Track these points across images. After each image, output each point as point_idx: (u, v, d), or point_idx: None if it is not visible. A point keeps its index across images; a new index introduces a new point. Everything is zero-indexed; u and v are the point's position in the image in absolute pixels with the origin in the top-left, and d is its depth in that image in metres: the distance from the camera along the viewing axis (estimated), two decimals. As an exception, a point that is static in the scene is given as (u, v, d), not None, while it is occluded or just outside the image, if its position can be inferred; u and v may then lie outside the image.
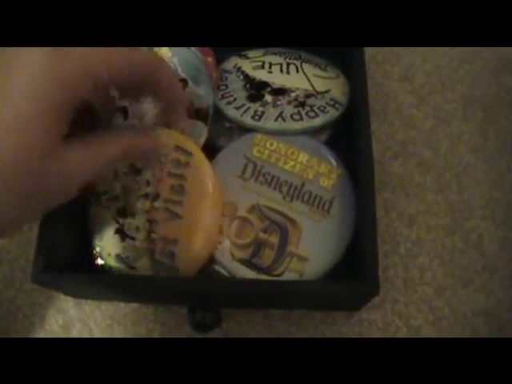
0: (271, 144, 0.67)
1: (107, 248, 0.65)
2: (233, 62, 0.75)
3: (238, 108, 0.68)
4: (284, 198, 0.65)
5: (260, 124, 0.67)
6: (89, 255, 0.67)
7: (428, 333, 0.68)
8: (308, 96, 0.70)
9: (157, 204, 0.64)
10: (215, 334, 0.64)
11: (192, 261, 0.63)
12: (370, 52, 0.81)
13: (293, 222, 0.65)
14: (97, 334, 0.69)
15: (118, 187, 0.66)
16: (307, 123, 0.67)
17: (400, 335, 0.68)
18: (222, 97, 0.70)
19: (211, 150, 0.69)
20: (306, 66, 0.74)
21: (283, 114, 0.67)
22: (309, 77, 0.72)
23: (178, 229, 0.63)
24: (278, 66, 0.73)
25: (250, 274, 0.63)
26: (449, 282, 0.71)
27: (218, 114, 0.70)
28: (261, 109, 0.68)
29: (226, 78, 0.73)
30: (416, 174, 0.75)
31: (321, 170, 0.67)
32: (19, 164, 0.39)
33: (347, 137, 0.70)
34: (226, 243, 0.64)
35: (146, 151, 0.51)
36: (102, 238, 0.66)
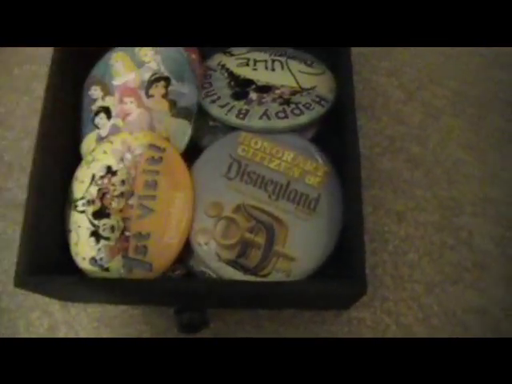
0: (256, 143, 0.66)
1: (82, 252, 0.65)
2: (217, 59, 0.74)
3: (222, 106, 0.67)
4: (270, 197, 0.65)
5: (245, 122, 0.66)
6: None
7: (418, 330, 0.68)
8: (293, 93, 0.69)
9: (131, 201, 0.64)
10: (204, 334, 0.63)
11: (165, 253, 0.63)
12: (358, 48, 0.80)
13: (279, 221, 0.64)
14: (83, 337, 0.68)
15: (94, 191, 0.66)
16: (292, 121, 0.66)
17: (389, 333, 0.68)
18: (206, 95, 0.69)
19: (196, 149, 0.68)
20: (291, 63, 0.73)
21: (268, 112, 0.66)
22: (294, 73, 0.71)
23: (150, 223, 0.63)
24: (263, 63, 0.72)
25: (236, 274, 0.63)
26: (438, 279, 0.70)
27: (203, 112, 0.68)
28: (245, 107, 0.67)
29: (211, 76, 0.72)
30: (404, 170, 0.75)
31: (307, 168, 0.66)
32: None
33: (334, 133, 0.69)
34: (212, 244, 0.63)
35: None
36: (77, 243, 0.66)
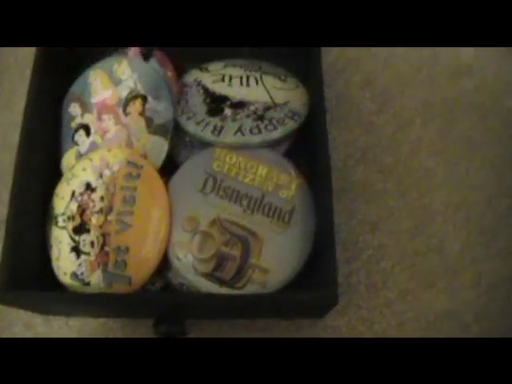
0: (231, 158, 0.68)
1: (63, 267, 0.67)
2: (193, 75, 0.76)
3: (198, 123, 0.69)
4: (245, 211, 0.66)
5: (219, 139, 0.68)
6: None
7: (392, 336, 0.70)
8: (267, 109, 0.71)
9: (110, 217, 0.66)
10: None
11: (143, 267, 0.65)
12: (329, 60, 0.82)
13: (254, 234, 0.66)
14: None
15: (74, 207, 0.67)
16: (266, 136, 0.68)
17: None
18: (183, 112, 0.71)
19: (172, 164, 0.70)
20: (265, 78, 0.74)
21: (242, 128, 0.68)
22: (268, 89, 0.73)
23: (129, 237, 0.65)
24: (238, 79, 0.74)
25: (213, 287, 0.64)
26: (411, 286, 0.72)
27: (179, 128, 0.70)
28: (220, 123, 0.69)
29: (187, 93, 0.73)
30: (377, 181, 0.77)
31: (280, 182, 0.68)
32: None
33: (307, 146, 0.71)
34: (189, 257, 0.65)
35: None
36: (58, 258, 0.67)
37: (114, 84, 0.72)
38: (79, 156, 0.72)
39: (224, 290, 0.64)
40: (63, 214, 0.68)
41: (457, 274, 0.73)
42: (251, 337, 0.69)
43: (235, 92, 0.73)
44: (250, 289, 0.64)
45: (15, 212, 0.64)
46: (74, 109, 0.74)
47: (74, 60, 0.79)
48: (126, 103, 0.71)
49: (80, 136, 0.72)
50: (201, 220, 0.66)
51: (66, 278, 0.67)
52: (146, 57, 0.74)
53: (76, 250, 0.67)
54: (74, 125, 0.73)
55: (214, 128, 0.68)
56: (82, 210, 0.67)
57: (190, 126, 0.69)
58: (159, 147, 0.69)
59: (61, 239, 0.68)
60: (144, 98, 0.70)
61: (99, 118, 0.72)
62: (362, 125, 0.79)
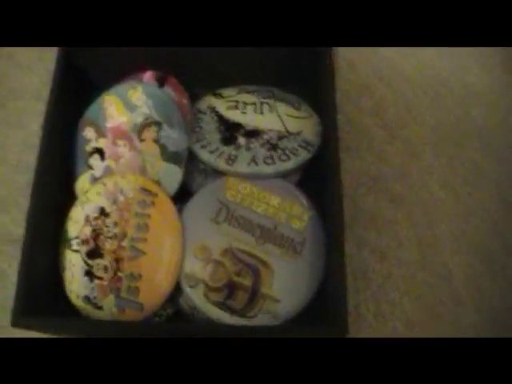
0: (244, 188, 0.69)
1: (76, 290, 0.68)
2: (207, 101, 0.76)
3: (212, 152, 0.69)
4: (257, 240, 0.67)
5: (233, 168, 0.68)
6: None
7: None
8: (280, 138, 0.71)
9: (123, 243, 0.67)
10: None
11: (155, 294, 0.66)
12: (343, 86, 0.83)
13: (265, 264, 0.66)
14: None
15: (88, 231, 0.68)
16: (279, 167, 0.68)
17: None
18: (197, 140, 0.71)
19: (185, 191, 0.71)
20: (279, 105, 0.75)
21: (256, 158, 0.68)
22: (282, 117, 0.73)
23: (142, 264, 0.66)
24: (252, 106, 0.75)
25: (224, 316, 0.65)
26: (419, 317, 0.73)
27: (193, 156, 0.71)
28: (234, 152, 0.69)
29: (201, 119, 0.74)
30: (387, 210, 0.77)
31: (293, 213, 0.68)
32: None
33: (319, 175, 0.72)
34: (201, 286, 0.66)
35: None
36: (71, 281, 0.68)
37: (128, 110, 0.73)
38: (93, 180, 0.72)
39: (235, 319, 0.65)
40: (77, 238, 0.69)
41: (464, 304, 0.74)
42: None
43: (249, 119, 0.73)
44: (260, 318, 0.65)
45: (31, 235, 0.64)
46: (89, 133, 0.74)
47: (89, 84, 0.79)
48: (141, 129, 0.71)
49: (95, 160, 0.73)
50: (213, 249, 0.67)
51: (78, 301, 0.68)
52: (161, 82, 0.75)
53: (89, 273, 0.67)
54: (88, 149, 0.74)
55: (228, 157, 0.69)
56: (96, 235, 0.68)
57: (204, 155, 0.70)
58: (173, 175, 0.69)
59: (74, 262, 0.68)
60: (158, 125, 0.71)
61: (114, 143, 0.72)
62: (373, 153, 0.80)
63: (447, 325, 0.72)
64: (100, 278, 0.67)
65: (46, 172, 0.68)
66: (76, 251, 0.69)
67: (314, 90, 0.77)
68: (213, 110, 0.75)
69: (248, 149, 0.70)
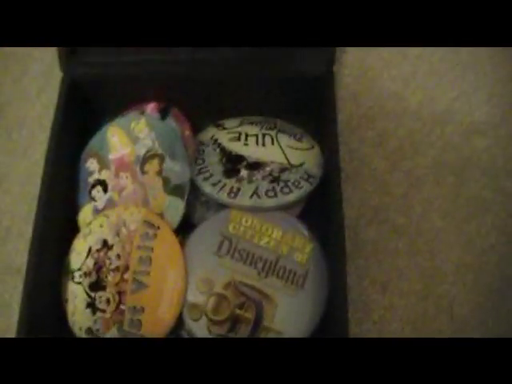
0: (246, 220, 0.69)
1: (79, 322, 0.68)
2: (210, 132, 0.77)
3: (214, 184, 0.70)
4: (259, 273, 0.67)
5: (236, 201, 0.69)
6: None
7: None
8: (283, 170, 0.72)
9: (126, 276, 0.67)
10: None
11: (158, 327, 0.66)
12: (344, 117, 0.83)
13: (268, 297, 0.67)
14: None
15: (90, 263, 0.69)
16: (281, 199, 0.69)
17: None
18: (199, 172, 0.72)
19: (187, 225, 0.71)
20: (281, 137, 0.75)
21: (258, 191, 0.69)
22: (284, 149, 0.74)
23: (144, 297, 0.66)
24: (254, 138, 0.75)
25: (226, 349, 0.65)
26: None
27: (195, 187, 0.71)
28: (236, 185, 0.70)
29: (203, 151, 0.74)
30: (389, 241, 0.77)
31: (295, 245, 0.69)
32: None
33: (320, 206, 0.72)
34: (203, 319, 0.66)
35: None
36: (74, 313, 0.68)
37: (131, 142, 0.73)
38: (96, 212, 0.73)
39: (237, 353, 0.65)
40: (79, 270, 0.69)
41: (466, 335, 0.73)
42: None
43: (251, 152, 0.74)
44: (262, 352, 0.65)
45: (33, 265, 0.65)
46: (92, 164, 0.75)
47: (93, 114, 0.80)
48: (144, 162, 0.72)
49: (97, 192, 0.73)
50: (216, 282, 0.67)
51: (81, 333, 0.68)
52: (164, 114, 0.76)
53: (92, 306, 0.68)
54: (91, 180, 0.74)
55: (231, 190, 0.69)
56: (98, 267, 0.68)
57: (207, 187, 0.70)
58: (176, 207, 0.70)
59: (77, 294, 0.69)
60: (161, 158, 0.71)
61: (116, 175, 0.73)
62: (374, 183, 0.80)
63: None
64: (102, 311, 0.67)
65: (48, 202, 0.68)
66: (78, 283, 0.69)
67: (316, 120, 0.78)
68: (215, 141, 0.76)
69: (250, 181, 0.70)
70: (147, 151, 0.72)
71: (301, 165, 0.72)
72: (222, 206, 0.71)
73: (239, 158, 0.73)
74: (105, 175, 0.73)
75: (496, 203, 0.80)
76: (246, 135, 0.75)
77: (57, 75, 0.76)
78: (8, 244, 0.80)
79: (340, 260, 0.64)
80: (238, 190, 0.69)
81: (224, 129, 0.77)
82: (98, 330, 0.67)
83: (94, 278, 0.68)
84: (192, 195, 0.72)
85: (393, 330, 0.73)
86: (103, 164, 0.74)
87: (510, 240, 0.78)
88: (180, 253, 0.68)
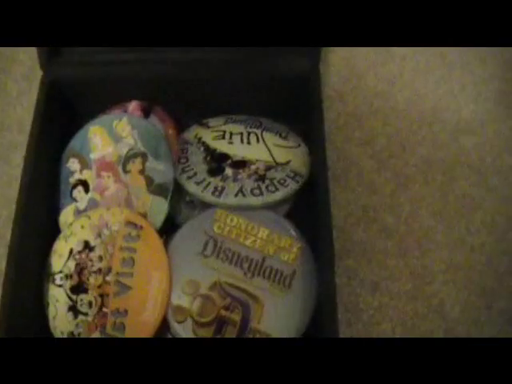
0: (231, 220, 0.68)
1: (61, 327, 0.66)
2: (194, 131, 0.76)
3: (198, 183, 0.68)
4: (245, 274, 0.66)
5: (220, 200, 0.67)
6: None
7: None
8: (268, 168, 0.70)
9: (108, 278, 0.65)
10: None
11: (142, 331, 0.64)
12: (331, 116, 0.82)
13: (254, 298, 0.65)
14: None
15: (72, 266, 0.67)
16: (267, 198, 0.67)
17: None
18: (183, 171, 0.70)
19: (171, 225, 0.69)
20: (266, 135, 0.74)
21: (243, 189, 0.67)
22: (269, 147, 0.73)
23: (128, 300, 0.64)
24: (239, 136, 0.74)
25: (212, 352, 0.63)
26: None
27: (179, 187, 0.69)
28: (221, 184, 0.68)
29: (187, 150, 0.73)
30: (378, 240, 0.76)
31: (281, 245, 0.67)
32: None
33: (308, 206, 0.71)
34: (189, 321, 0.64)
35: None
36: (55, 317, 0.66)
37: (113, 141, 0.72)
38: (78, 213, 0.71)
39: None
40: (61, 272, 0.67)
41: (457, 336, 0.72)
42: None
43: (236, 150, 0.72)
44: (249, 354, 0.63)
45: (13, 269, 0.63)
46: (73, 164, 0.73)
47: (74, 114, 0.78)
48: (126, 161, 0.70)
49: (79, 192, 0.72)
50: (201, 283, 0.65)
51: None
52: (146, 113, 0.74)
53: (73, 309, 0.66)
54: (72, 180, 0.72)
55: (215, 189, 0.68)
56: (80, 269, 0.67)
57: (191, 186, 0.68)
58: (159, 207, 0.68)
59: (58, 298, 0.67)
60: (144, 156, 0.70)
61: (98, 175, 0.71)
62: (362, 183, 0.79)
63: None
64: (84, 314, 0.65)
65: (28, 204, 0.67)
66: (60, 286, 0.67)
67: (303, 119, 0.77)
68: (199, 140, 0.74)
69: (235, 180, 0.69)
70: (129, 150, 0.70)
71: (287, 163, 0.71)
72: (207, 206, 0.69)
73: (224, 157, 0.72)
74: (86, 175, 0.72)
75: (485, 201, 0.79)
76: (231, 134, 0.74)
77: (39, 77, 0.74)
78: (-13, 249, 0.77)
79: (328, 260, 0.62)
80: (223, 188, 0.68)
81: (208, 127, 0.76)
82: (80, 334, 0.65)
83: (75, 280, 0.66)
84: (176, 196, 0.70)
85: (383, 331, 0.72)
86: (84, 164, 0.72)
87: (500, 237, 0.77)
88: (164, 254, 0.66)
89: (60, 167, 0.74)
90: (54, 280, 0.67)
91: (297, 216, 0.71)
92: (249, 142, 0.73)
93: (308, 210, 0.71)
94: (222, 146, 0.73)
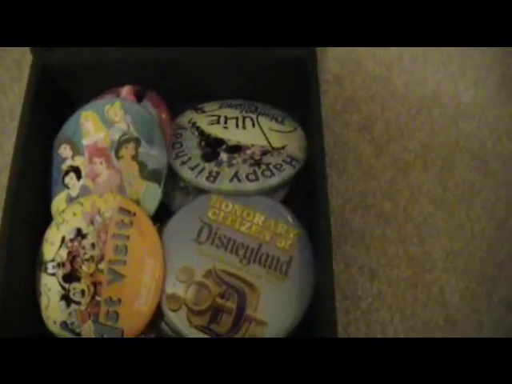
0: (226, 205, 0.66)
1: (53, 316, 0.65)
2: (188, 116, 0.74)
3: (192, 168, 0.67)
4: (241, 261, 0.64)
5: (215, 185, 0.66)
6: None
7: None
8: (264, 153, 0.69)
9: (101, 266, 0.64)
10: None
11: (136, 319, 0.63)
12: (328, 101, 0.81)
13: (250, 285, 0.64)
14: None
15: (64, 254, 0.65)
16: (263, 183, 0.66)
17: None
18: (177, 156, 0.69)
19: (165, 211, 0.68)
20: (262, 120, 0.73)
21: (238, 174, 0.66)
22: (265, 131, 0.71)
23: (121, 288, 0.63)
24: (234, 121, 0.72)
25: (208, 340, 0.62)
26: (411, 336, 0.70)
27: (173, 173, 0.68)
28: (216, 169, 0.67)
29: (181, 135, 0.71)
30: (376, 226, 0.75)
31: (277, 231, 0.66)
32: None
33: (305, 191, 0.70)
34: (183, 310, 0.63)
35: None
36: (48, 306, 0.65)
37: (106, 126, 0.70)
38: (70, 200, 0.69)
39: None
40: (53, 261, 0.66)
41: (456, 324, 0.71)
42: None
43: (231, 135, 0.71)
44: (246, 343, 0.62)
45: (5, 258, 0.62)
46: (65, 151, 0.71)
47: (65, 100, 0.77)
48: (119, 146, 0.69)
49: (71, 179, 0.70)
50: (195, 270, 0.64)
51: (55, 328, 0.64)
52: (139, 97, 0.72)
53: (66, 298, 0.64)
54: (64, 167, 0.71)
55: (210, 174, 0.66)
56: (72, 257, 0.65)
57: (185, 172, 0.67)
58: (152, 193, 0.67)
59: (50, 287, 0.65)
60: (137, 142, 0.68)
61: (90, 161, 0.70)
62: (360, 168, 0.78)
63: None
64: (77, 303, 0.64)
65: (19, 192, 0.65)
66: (52, 275, 0.66)
67: (300, 104, 0.75)
68: (193, 124, 0.73)
69: (230, 165, 0.67)
70: (122, 135, 0.69)
71: (283, 147, 0.69)
72: (202, 192, 0.67)
73: (218, 142, 0.70)
74: (78, 161, 0.70)
75: (485, 186, 0.78)
76: (226, 118, 0.72)
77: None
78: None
79: (326, 247, 0.61)
80: (218, 173, 0.66)
81: (203, 112, 0.74)
82: (73, 323, 0.64)
83: (67, 268, 0.65)
84: (170, 181, 0.68)
85: (381, 319, 0.71)
86: (76, 150, 0.71)
87: (501, 224, 0.76)
88: (158, 241, 0.65)
89: (52, 154, 0.72)
90: (46, 269, 0.66)
91: (293, 202, 0.69)
92: (244, 127, 0.72)
93: (305, 195, 0.69)
94: (216, 131, 0.71)
